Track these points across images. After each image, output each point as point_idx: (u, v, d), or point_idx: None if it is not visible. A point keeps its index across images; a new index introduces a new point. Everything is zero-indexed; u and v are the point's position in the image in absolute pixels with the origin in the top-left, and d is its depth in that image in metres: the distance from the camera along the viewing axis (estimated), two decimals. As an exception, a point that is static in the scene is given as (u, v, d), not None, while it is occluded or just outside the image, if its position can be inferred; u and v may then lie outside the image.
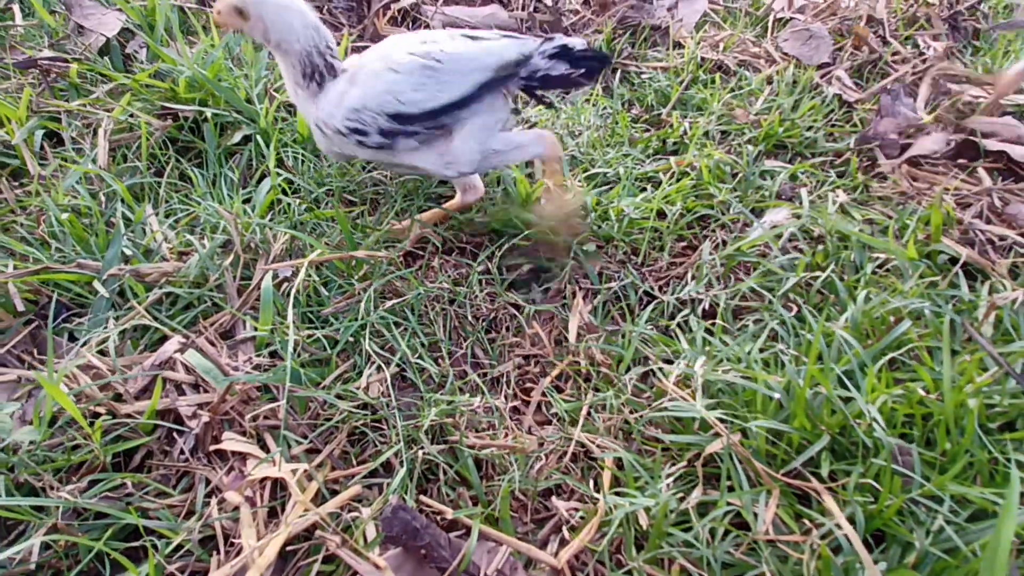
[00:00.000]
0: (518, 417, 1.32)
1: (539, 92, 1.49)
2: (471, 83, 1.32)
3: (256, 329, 1.31)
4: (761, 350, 1.36)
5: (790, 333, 1.40)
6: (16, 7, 2.24)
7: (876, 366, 1.18)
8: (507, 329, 1.46)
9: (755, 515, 1.04)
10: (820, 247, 1.64)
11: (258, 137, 1.76)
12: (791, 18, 2.60)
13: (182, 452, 1.15)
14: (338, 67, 1.38)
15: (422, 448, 1.18)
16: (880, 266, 1.57)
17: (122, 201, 1.55)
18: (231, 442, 1.15)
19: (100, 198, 1.55)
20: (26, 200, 1.57)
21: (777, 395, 1.15)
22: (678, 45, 2.49)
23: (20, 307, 1.28)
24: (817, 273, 1.54)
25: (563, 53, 1.42)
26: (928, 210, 1.65)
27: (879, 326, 1.37)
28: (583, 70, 1.43)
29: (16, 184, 1.66)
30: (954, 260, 1.55)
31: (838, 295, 1.49)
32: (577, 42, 1.45)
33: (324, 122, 1.37)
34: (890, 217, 1.71)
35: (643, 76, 2.34)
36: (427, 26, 2.40)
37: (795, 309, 1.48)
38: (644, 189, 1.86)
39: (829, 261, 1.59)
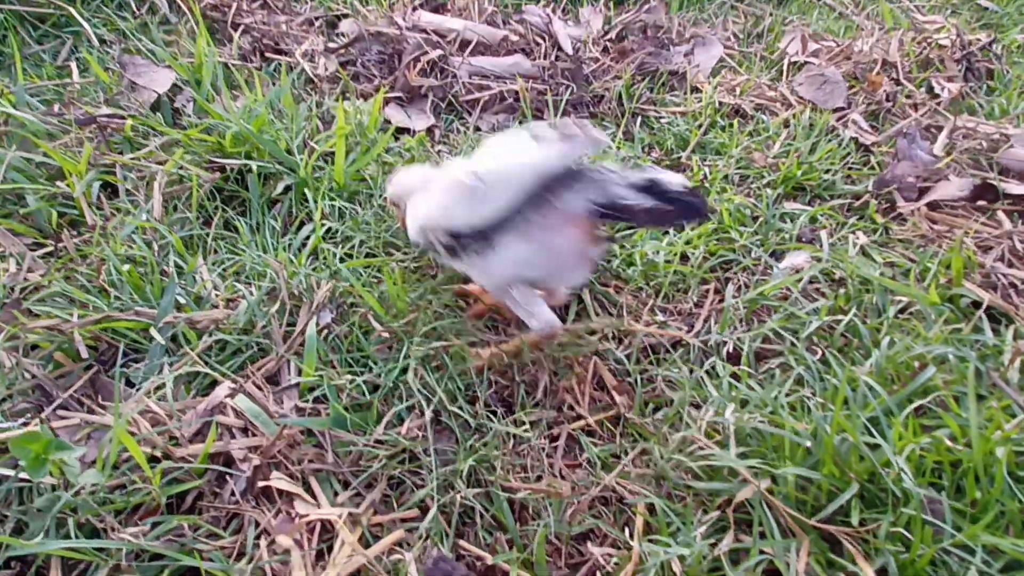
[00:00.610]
0: (550, 460, 1.36)
1: (611, 220, 1.35)
2: (515, 200, 1.29)
3: (301, 374, 1.38)
4: (787, 394, 1.39)
5: (816, 378, 1.43)
6: (73, 65, 2.40)
7: (902, 415, 1.21)
8: (541, 373, 1.51)
9: (787, 564, 1.06)
10: (842, 290, 1.68)
11: (301, 189, 1.86)
12: (806, 62, 2.67)
13: (232, 494, 1.21)
14: None
15: (459, 492, 1.22)
16: (902, 310, 1.60)
17: (174, 250, 1.64)
18: (279, 481, 1.20)
19: (154, 247, 1.64)
20: (86, 249, 1.67)
21: (807, 443, 1.18)
22: (695, 90, 2.57)
23: (84, 354, 1.37)
24: (839, 316, 1.57)
25: (651, 188, 1.27)
26: (949, 253, 1.69)
27: (903, 371, 1.40)
28: (671, 209, 1.27)
29: (75, 233, 1.77)
30: (977, 304, 1.58)
31: (861, 339, 1.53)
32: (675, 180, 1.29)
33: (412, 238, 1.45)
34: (911, 260, 1.74)
35: (662, 120, 2.42)
36: (454, 76, 2.51)
37: (819, 353, 1.51)
38: (667, 233, 1.91)
39: (851, 304, 1.63)
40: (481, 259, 1.36)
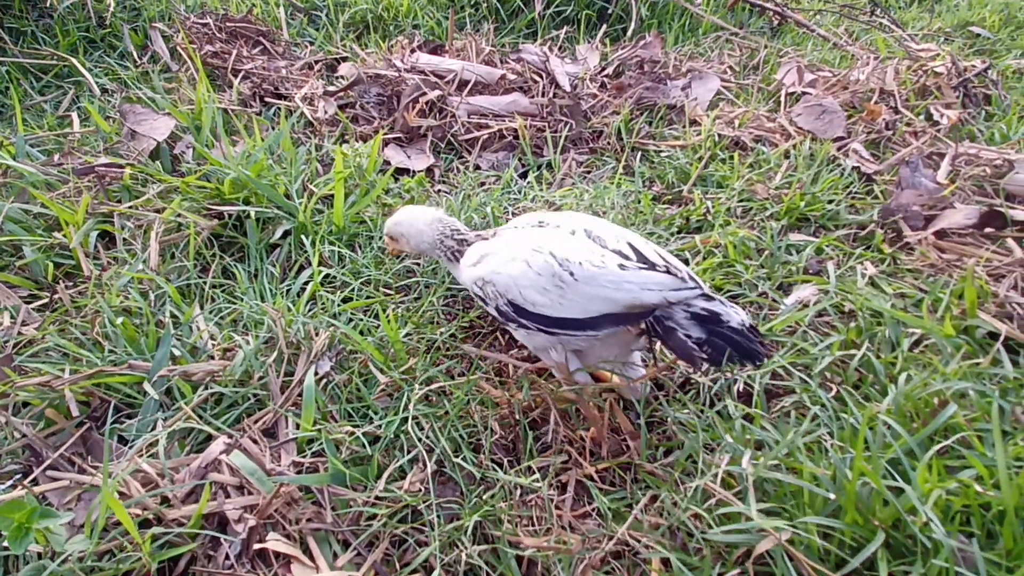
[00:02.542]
0: (558, 512, 1.30)
1: (653, 337, 1.26)
2: (593, 312, 1.20)
3: (299, 427, 1.33)
4: (802, 435, 1.34)
5: (831, 417, 1.38)
6: (75, 115, 2.42)
7: (926, 458, 1.15)
8: (548, 420, 1.47)
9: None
10: (853, 323, 1.63)
11: (300, 233, 1.84)
12: (803, 93, 2.68)
13: (227, 557, 1.16)
14: (470, 238, 1.43)
15: (464, 551, 1.16)
16: (916, 343, 1.56)
17: (170, 300, 1.62)
18: (276, 543, 1.15)
19: (150, 297, 1.62)
20: (80, 301, 1.65)
21: (830, 495, 1.12)
22: (694, 123, 2.57)
23: (75, 412, 1.33)
24: (852, 351, 1.53)
25: (709, 319, 1.19)
26: (961, 283, 1.65)
27: (922, 408, 1.35)
28: (709, 349, 1.18)
29: (70, 284, 1.74)
30: (994, 335, 1.53)
31: (876, 374, 1.48)
32: (736, 317, 1.19)
33: (464, 277, 1.40)
34: (922, 291, 1.71)
35: (662, 154, 2.42)
36: (452, 116, 2.52)
37: (833, 390, 1.47)
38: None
39: (863, 338, 1.58)
40: (527, 333, 1.33)
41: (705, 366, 1.19)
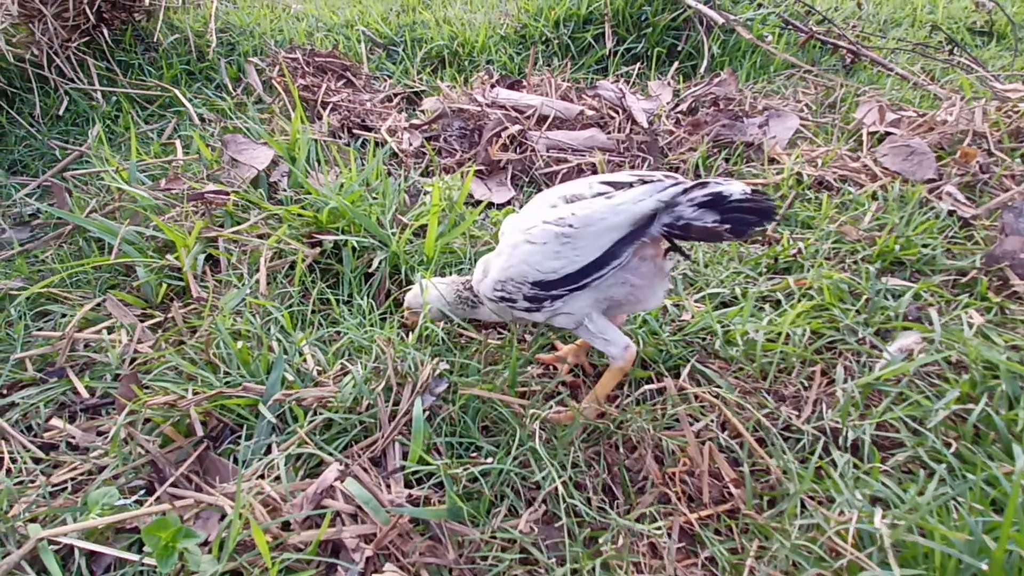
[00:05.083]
0: (665, 560, 1.27)
1: (677, 241, 1.34)
2: (606, 243, 1.29)
3: (406, 457, 1.35)
4: (921, 492, 1.29)
5: (954, 476, 1.32)
6: (177, 142, 2.56)
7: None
8: (644, 457, 1.45)
9: None
10: (965, 375, 1.57)
11: (393, 263, 1.89)
12: (886, 133, 2.64)
13: (343, 586, 1.17)
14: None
15: (581, 594, 1.15)
16: (1039, 399, 1.49)
17: (276, 325, 1.67)
18: (393, 574, 1.16)
19: (257, 321, 1.68)
20: (192, 321, 1.72)
21: (980, 563, 1.07)
22: (773, 161, 2.56)
23: (200, 432, 1.38)
24: (969, 405, 1.47)
25: (715, 201, 1.25)
26: (1082, 338, 1.57)
27: (1056, 472, 1.28)
28: (729, 224, 1.23)
29: (180, 305, 1.82)
30: (1125, 395, 1.45)
31: (998, 431, 1.42)
32: (735, 189, 1.26)
33: (482, 293, 1.45)
34: (1039, 344, 1.63)
35: (743, 192, 2.40)
36: (532, 150, 2.57)
37: (952, 446, 1.41)
38: (762, 309, 1.86)
39: (979, 392, 1.52)
40: (563, 302, 1.37)
41: (731, 237, 1.25)
